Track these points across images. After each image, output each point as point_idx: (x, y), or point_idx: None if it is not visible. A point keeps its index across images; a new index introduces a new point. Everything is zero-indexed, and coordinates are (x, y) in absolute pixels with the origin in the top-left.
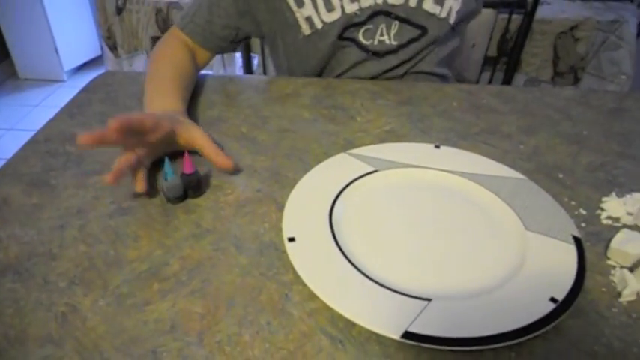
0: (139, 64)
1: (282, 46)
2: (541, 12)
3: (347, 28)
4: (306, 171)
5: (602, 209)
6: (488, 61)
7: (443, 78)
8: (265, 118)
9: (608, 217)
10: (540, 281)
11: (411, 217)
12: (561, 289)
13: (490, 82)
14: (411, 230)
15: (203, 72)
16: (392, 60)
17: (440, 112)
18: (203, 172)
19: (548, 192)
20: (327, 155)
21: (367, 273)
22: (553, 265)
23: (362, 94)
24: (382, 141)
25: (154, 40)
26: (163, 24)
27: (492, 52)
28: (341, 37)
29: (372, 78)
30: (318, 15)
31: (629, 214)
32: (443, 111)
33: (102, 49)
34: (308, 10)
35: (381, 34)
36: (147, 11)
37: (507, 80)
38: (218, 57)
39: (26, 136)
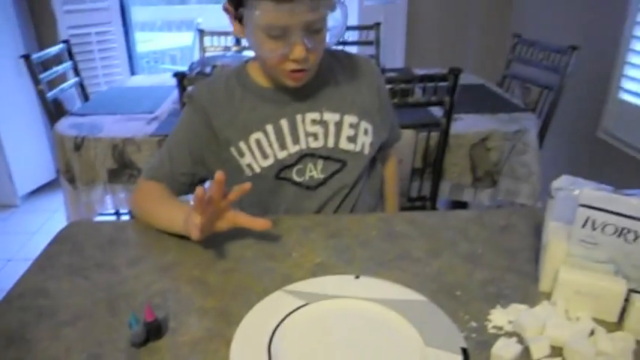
0: (96, 195)
1: (232, 185)
2: (455, 127)
3: (281, 170)
4: (249, 307)
5: (489, 320)
6: (417, 172)
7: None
8: (214, 260)
9: (494, 327)
10: None
11: (334, 342)
12: None
13: (420, 189)
14: (334, 355)
15: None
16: (324, 191)
17: (361, 243)
18: (161, 317)
19: (447, 309)
20: (267, 291)
21: None
22: None
23: (296, 229)
24: (313, 273)
25: (111, 172)
26: (120, 157)
27: (418, 164)
28: (278, 177)
29: (316, 212)
30: (256, 162)
31: (510, 322)
32: (364, 241)
33: (57, 173)
34: (248, 158)
35: (310, 171)
36: (104, 147)
37: (435, 187)
38: None
39: None
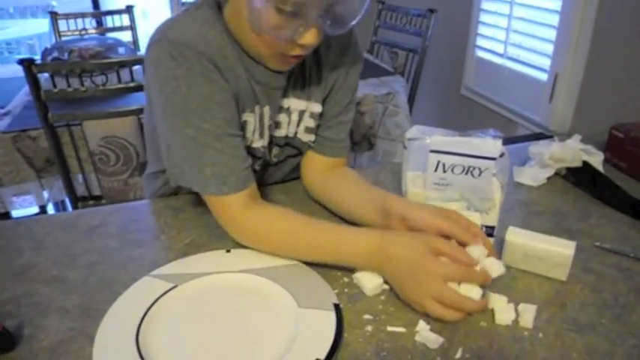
0: None
1: None
2: None
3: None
4: (115, 300)
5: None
6: None
7: None
8: (75, 256)
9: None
10: (309, 347)
11: (207, 320)
12: (324, 349)
13: None
14: (208, 332)
15: (15, 216)
16: (271, 171)
17: None
18: (14, 325)
19: (319, 269)
20: (135, 279)
21: None
22: (318, 331)
23: (165, 212)
24: (185, 254)
25: None
26: None
27: None
28: None
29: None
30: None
31: None
32: None
33: None
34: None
35: (265, 156)
36: None
37: None
38: (35, 182)
39: None
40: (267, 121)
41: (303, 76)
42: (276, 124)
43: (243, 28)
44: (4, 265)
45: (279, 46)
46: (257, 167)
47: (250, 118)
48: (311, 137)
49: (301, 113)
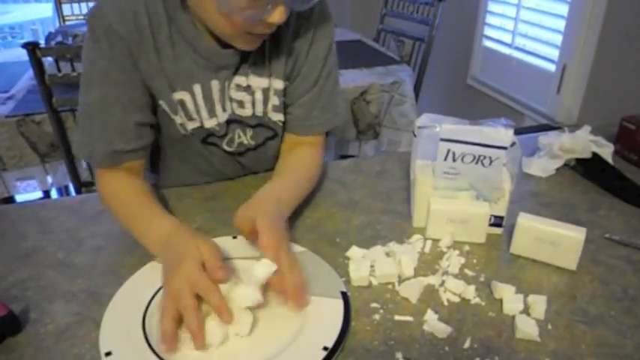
0: None
1: (167, 139)
2: None
3: (209, 136)
4: (121, 285)
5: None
6: None
7: None
8: (81, 240)
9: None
10: (316, 335)
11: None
12: (332, 337)
13: None
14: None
15: (19, 201)
16: (253, 155)
17: (240, 203)
18: (20, 309)
19: (327, 256)
20: (141, 264)
21: None
22: (326, 319)
23: (171, 197)
24: None
25: None
26: None
27: None
28: (205, 142)
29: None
30: (184, 123)
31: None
32: (243, 201)
33: None
34: (179, 118)
35: (239, 137)
36: None
37: None
38: (39, 166)
39: None
40: (217, 98)
41: (262, 52)
42: (239, 103)
43: (206, 8)
44: (10, 249)
45: (246, 26)
46: (227, 148)
47: (186, 97)
48: (280, 116)
49: (265, 91)
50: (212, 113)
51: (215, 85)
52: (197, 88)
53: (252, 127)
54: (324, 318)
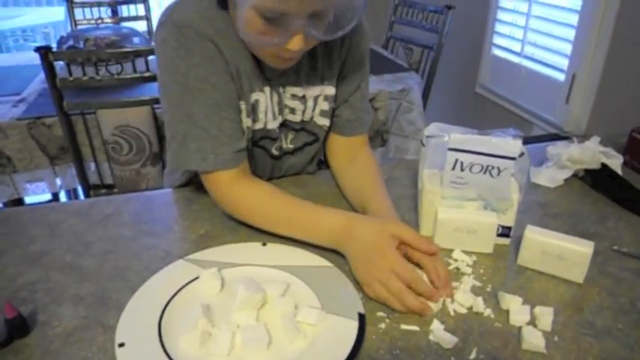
0: None
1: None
2: None
3: (262, 139)
4: (129, 289)
5: None
6: None
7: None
8: (89, 244)
9: None
10: (325, 353)
11: (231, 310)
12: (341, 357)
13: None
14: (229, 323)
15: (28, 203)
16: (290, 160)
17: None
18: (28, 311)
19: (332, 261)
20: (149, 270)
21: None
22: (338, 339)
23: (179, 202)
24: (198, 245)
25: None
26: None
27: None
28: (256, 145)
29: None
30: (248, 124)
31: None
32: None
33: None
34: (246, 120)
35: (280, 141)
36: None
37: None
38: (49, 169)
39: None
40: (275, 100)
41: (314, 62)
42: (292, 110)
43: (237, 32)
44: (20, 251)
45: (271, 50)
46: (275, 152)
47: (261, 98)
48: (325, 121)
49: (316, 98)
50: (274, 115)
51: (268, 90)
52: (267, 89)
53: (295, 131)
54: (336, 337)
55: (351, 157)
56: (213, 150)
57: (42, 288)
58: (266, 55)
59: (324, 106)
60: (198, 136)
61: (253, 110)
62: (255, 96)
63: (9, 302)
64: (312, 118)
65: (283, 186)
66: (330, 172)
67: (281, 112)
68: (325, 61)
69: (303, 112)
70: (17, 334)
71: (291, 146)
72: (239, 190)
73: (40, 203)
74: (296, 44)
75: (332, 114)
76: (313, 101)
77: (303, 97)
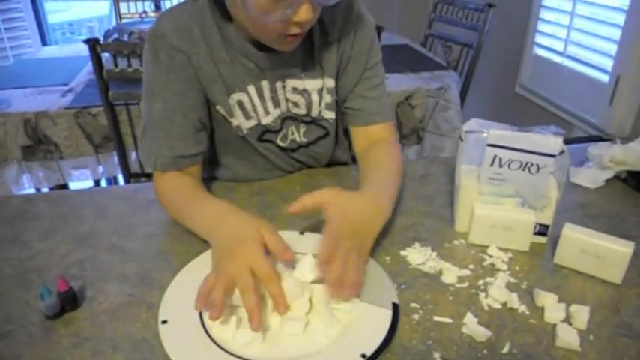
0: (10, 174)
1: (224, 142)
2: None
3: (264, 133)
4: (172, 271)
5: (408, 262)
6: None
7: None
8: (133, 226)
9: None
10: (357, 341)
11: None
12: (373, 346)
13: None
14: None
15: (73, 188)
16: (305, 152)
17: (285, 199)
18: (78, 286)
19: (374, 256)
20: (190, 253)
21: (231, 351)
22: (371, 327)
23: (218, 191)
24: None
25: (25, 149)
26: (33, 133)
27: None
28: (260, 140)
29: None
30: (241, 124)
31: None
32: (288, 197)
33: None
34: (236, 120)
35: (292, 134)
36: (14, 122)
37: None
38: (93, 156)
39: None
40: (267, 96)
41: (311, 55)
42: (295, 104)
43: (240, 17)
44: (70, 231)
45: (277, 28)
46: (281, 143)
47: (244, 97)
48: (332, 114)
49: (320, 91)
50: (267, 110)
51: (265, 84)
52: (251, 89)
53: (306, 124)
54: (370, 325)
55: (368, 148)
56: (157, 151)
57: (90, 266)
58: (273, 38)
59: (328, 98)
60: (150, 135)
61: (241, 109)
62: (236, 97)
63: (63, 277)
64: (320, 112)
65: (320, 178)
66: None
67: (277, 106)
68: (323, 53)
69: (309, 105)
70: (69, 307)
71: (305, 140)
72: (163, 183)
73: (87, 189)
74: (304, 14)
75: (338, 106)
76: (318, 95)
77: (305, 90)
